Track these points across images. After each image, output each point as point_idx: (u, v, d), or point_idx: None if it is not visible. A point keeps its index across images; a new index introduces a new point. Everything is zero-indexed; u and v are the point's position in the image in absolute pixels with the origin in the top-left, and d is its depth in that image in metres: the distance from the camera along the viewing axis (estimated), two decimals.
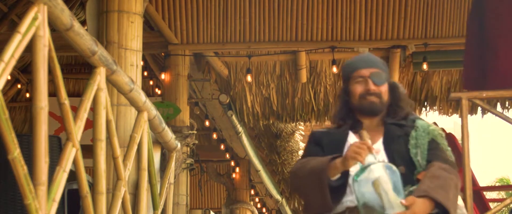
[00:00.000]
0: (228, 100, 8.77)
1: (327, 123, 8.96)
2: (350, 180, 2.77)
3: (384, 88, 2.98)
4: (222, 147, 11.75)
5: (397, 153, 2.82)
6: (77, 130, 3.36)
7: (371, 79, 2.95)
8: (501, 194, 21.90)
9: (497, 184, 27.53)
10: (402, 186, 2.67)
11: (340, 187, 2.77)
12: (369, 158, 2.68)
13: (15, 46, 2.71)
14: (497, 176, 31.99)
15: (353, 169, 2.75)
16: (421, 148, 2.87)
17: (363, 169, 2.66)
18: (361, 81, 2.96)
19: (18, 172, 2.71)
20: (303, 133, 12.35)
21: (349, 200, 2.79)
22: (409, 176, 2.80)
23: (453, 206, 2.72)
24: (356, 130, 2.94)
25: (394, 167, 2.68)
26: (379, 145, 2.88)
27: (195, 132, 7.52)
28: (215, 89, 9.01)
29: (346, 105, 3.02)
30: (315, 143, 2.99)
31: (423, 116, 9.39)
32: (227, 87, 8.91)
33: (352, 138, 2.92)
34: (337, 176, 2.77)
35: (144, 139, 4.63)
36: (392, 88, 3.02)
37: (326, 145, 2.93)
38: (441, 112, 9.25)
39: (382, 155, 2.85)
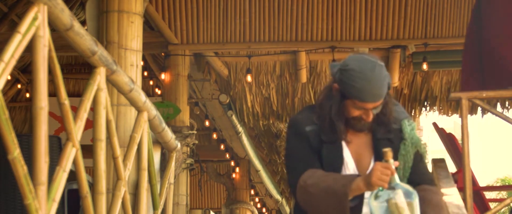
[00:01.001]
0: (228, 100, 8.78)
1: None
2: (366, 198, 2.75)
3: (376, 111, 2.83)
4: (222, 147, 11.76)
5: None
6: (77, 130, 3.35)
7: (372, 111, 2.79)
8: (502, 194, 21.89)
9: (499, 184, 27.55)
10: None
11: (355, 208, 2.72)
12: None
13: (15, 46, 2.71)
14: (499, 176, 32.03)
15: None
16: (406, 163, 2.83)
17: (383, 191, 2.64)
18: (362, 110, 2.79)
19: (18, 172, 2.71)
20: None
21: None
22: None
23: None
24: (342, 133, 2.83)
25: (414, 194, 2.66)
26: (371, 163, 2.83)
27: (195, 132, 7.52)
28: (215, 89, 9.01)
29: (340, 107, 2.82)
30: (310, 146, 2.83)
31: (423, 116, 9.40)
32: (227, 87, 8.92)
33: (346, 153, 2.84)
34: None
35: (144, 139, 4.63)
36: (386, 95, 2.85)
37: (325, 157, 2.81)
38: (441, 112, 9.26)
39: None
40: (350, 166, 2.83)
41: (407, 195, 2.65)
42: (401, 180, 2.74)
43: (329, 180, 2.73)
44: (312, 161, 2.82)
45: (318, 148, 2.83)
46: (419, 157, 2.87)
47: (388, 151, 2.65)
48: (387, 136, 2.85)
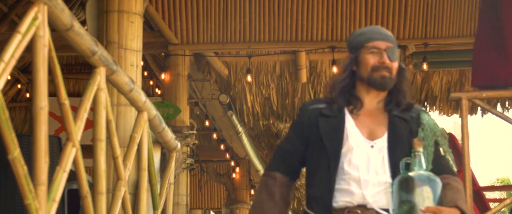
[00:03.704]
0: (228, 100, 8.78)
1: None
2: (361, 175, 2.77)
3: (395, 65, 2.87)
4: (222, 147, 11.75)
5: (400, 156, 2.74)
6: (77, 130, 3.35)
7: (387, 53, 2.84)
8: (503, 194, 21.90)
9: (498, 184, 27.55)
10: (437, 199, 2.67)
11: None
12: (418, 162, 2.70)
13: (15, 46, 2.71)
14: (498, 176, 32.05)
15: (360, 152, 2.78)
16: (427, 150, 2.81)
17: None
18: (376, 52, 2.84)
19: (18, 172, 2.71)
20: None
21: (347, 200, 2.76)
22: None
23: None
24: (355, 107, 2.85)
25: (437, 180, 2.68)
26: (384, 142, 2.80)
27: (195, 132, 7.52)
28: (215, 89, 9.02)
29: (351, 76, 2.89)
30: (301, 132, 2.90)
31: None
32: (227, 87, 8.92)
33: (349, 123, 2.83)
34: None
35: (144, 139, 4.63)
36: (400, 70, 2.91)
37: (324, 133, 2.82)
38: (441, 112, 9.26)
39: (384, 151, 2.78)
40: (355, 137, 2.81)
41: (429, 181, 2.66)
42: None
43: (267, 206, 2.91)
44: (290, 157, 2.93)
45: (315, 123, 2.85)
46: (439, 150, 2.86)
47: (417, 141, 2.70)
48: (403, 115, 2.85)
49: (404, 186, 2.65)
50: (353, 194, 2.74)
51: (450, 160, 2.89)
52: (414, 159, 2.70)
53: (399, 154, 2.75)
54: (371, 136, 2.81)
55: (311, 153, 2.88)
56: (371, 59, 2.84)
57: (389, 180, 2.76)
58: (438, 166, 2.82)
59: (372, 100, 2.88)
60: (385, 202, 2.75)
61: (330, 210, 2.76)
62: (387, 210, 2.74)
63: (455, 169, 2.91)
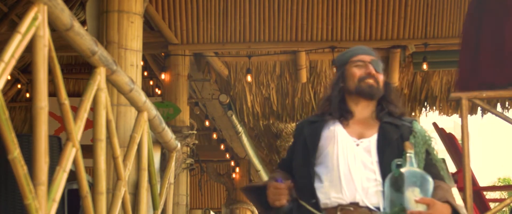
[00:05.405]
0: (228, 101, 8.78)
1: None
2: (353, 175, 2.79)
3: (381, 78, 3.00)
4: (222, 147, 11.76)
5: (389, 158, 2.78)
6: (77, 130, 3.35)
7: (372, 65, 2.98)
8: (503, 194, 21.89)
9: (499, 184, 27.54)
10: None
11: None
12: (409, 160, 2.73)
13: (15, 46, 2.71)
14: (498, 175, 32.02)
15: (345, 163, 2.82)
16: (418, 157, 2.85)
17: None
18: (361, 65, 2.98)
19: (18, 172, 2.71)
20: None
21: (339, 197, 2.79)
22: None
23: None
24: (346, 118, 2.93)
25: (429, 179, 2.71)
26: (372, 142, 2.85)
27: (195, 132, 7.52)
28: (215, 89, 9.01)
29: (340, 92, 3.01)
30: (295, 138, 3.05)
31: (423, 116, 9.41)
32: (227, 87, 8.92)
33: (338, 127, 2.91)
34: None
35: (144, 139, 4.63)
36: (386, 84, 3.04)
37: (307, 135, 2.95)
38: (441, 112, 9.25)
39: (372, 151, 2.83)
40: (342, 137, 2.88)
41: (421, 179, 2.69)
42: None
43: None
44: (285, 164, 3.08)
45: (302, 133, 2.98)
46: (430, 159, 2.90)
47: (409, 143, 2.77)
48: (394, 121, 2.93)
49: (395, 184, 2.69)
50: (344, 193, 2.78)
51: (441, 170, 2.93)
52: (405, 160, 2.73)
53: (388, 155, 2.81)
54: (359, 137, 2.89)
55: (296, 157, 2.99)
56: (358, 72, 2.98)
57: (379, 178, 2.80)
58: (429, 174, 2.83)
59: (362, 110, 2.98)
60: (376, 200, 2.78)
61: (319, 208, 2.81)
62: (378, 208, 2.77)
63: (446, 177, 2.94)
